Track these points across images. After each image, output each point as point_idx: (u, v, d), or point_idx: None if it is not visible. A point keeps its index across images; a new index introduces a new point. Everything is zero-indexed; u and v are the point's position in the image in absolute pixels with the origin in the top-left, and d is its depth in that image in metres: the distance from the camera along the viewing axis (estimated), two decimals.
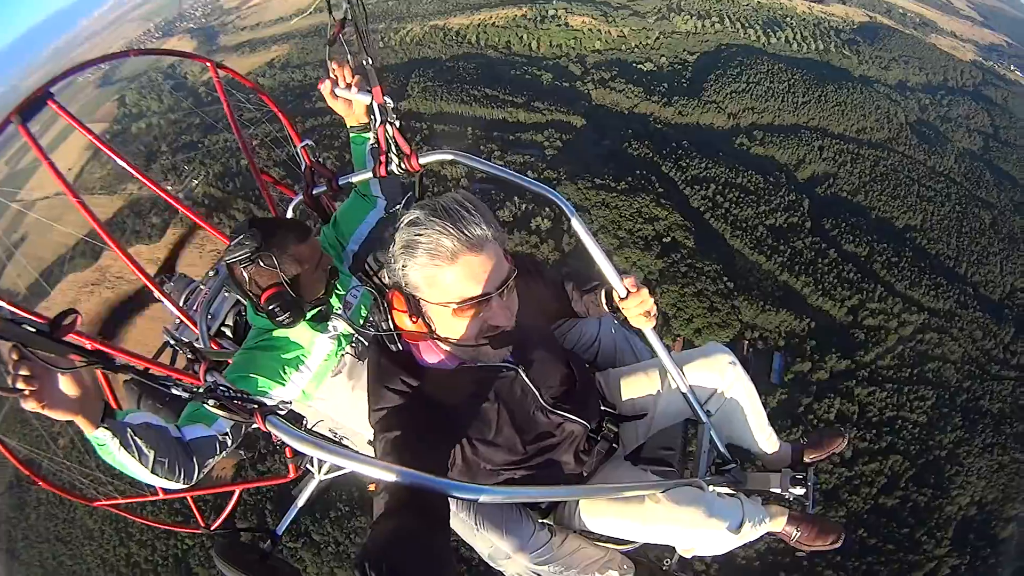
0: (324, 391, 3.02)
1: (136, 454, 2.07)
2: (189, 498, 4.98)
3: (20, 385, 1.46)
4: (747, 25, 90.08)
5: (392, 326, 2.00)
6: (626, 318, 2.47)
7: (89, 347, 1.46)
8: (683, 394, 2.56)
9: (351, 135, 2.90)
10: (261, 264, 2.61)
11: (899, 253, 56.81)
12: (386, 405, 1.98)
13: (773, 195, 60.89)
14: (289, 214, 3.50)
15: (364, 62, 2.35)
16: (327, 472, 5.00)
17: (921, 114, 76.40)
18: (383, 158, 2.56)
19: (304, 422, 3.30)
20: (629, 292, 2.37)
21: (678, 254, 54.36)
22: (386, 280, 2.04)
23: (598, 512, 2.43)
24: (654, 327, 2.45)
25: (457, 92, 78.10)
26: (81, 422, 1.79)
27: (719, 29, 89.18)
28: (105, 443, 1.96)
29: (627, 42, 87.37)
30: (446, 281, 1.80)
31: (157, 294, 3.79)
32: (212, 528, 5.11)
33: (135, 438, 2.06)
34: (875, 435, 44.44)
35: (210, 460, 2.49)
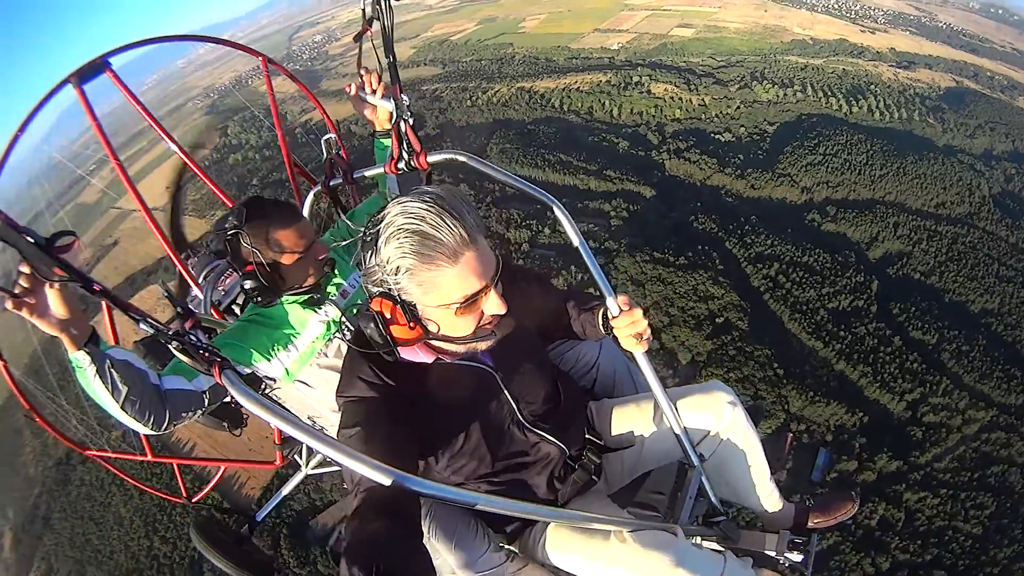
0: (308, 374, 3.14)
1: (109, 386, 2.18)
2: (175, 466, 5.25)
3: (16, 291, 1.69)
4: (830, 94, 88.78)
5: (390, 340, 1.86)
6: (623, 343, 2.36)
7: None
8: (675, 433, 2.43)
9: (375, 139, 3.11)
10: (241, 242, 2.78)
11: (971, 341, 52.58)
12: (355, 395, 1.94)
13: (840, 276, 58.37)
14: (309, 200, 3.81)
15: (386, 60, 2.42)
16: (315, 467, 5.16)
17: (1006, 184, 72.06)
18: (395, 154, 2.61)
19: (270, 388, 3.29)
20: (621, 310, 2.30)
21: (729, 336, 52.58)
22: (371, 288, 1.82)
23: (563, 545, 2.30)
24: (646, 353, 2.36)
25: (533, 156, 79.83)
26: (65, 340, 1.99)
27: (801, 98, 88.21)
28: (83, 367, 2.12)
29: (708, 111, 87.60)
30: (447, 282, 1.72)
31: (174, 260, 4.00)
32: (193, 500, 5.23)
33: (112, 370, 2.18)
34: (919, 546, 39.95)
35: (184, 414, 2.55)
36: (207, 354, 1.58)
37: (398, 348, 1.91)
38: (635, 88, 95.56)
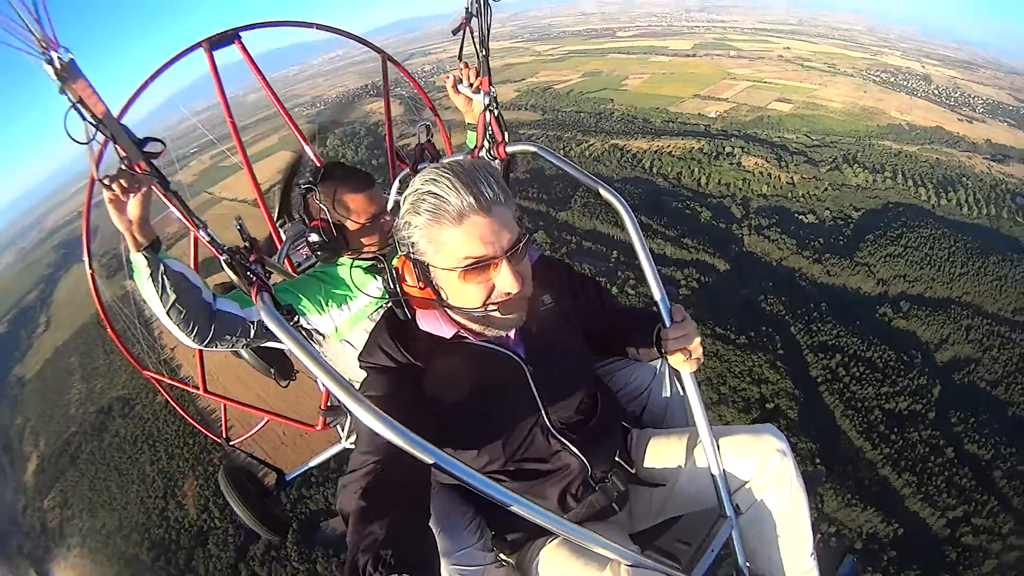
0: (355, 336, 3.16)
1: (159, 290, 2.33)
2: (222, 407, 5.29)
3: (111, 183, 1.94)
4: (920, 183, 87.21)
5: (400, 293, 1.91)
6: (669, 358, 2.21)
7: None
8: (712, 475, 2.17)
9: (468, 132, 3.05)
10: (313, 199, 2.98)
11: None
12: (373, 361, 1.93)
13: (902, 376, 55.98)
14: (396, 184, 3.93)
15: (479, 54, 2.53)
16: (355, 442, 5.66)
17: None
18: (479, 143, 2.69)
19: (319, 344, 3.32)
20: (673, 321, 2.18)
21: (776, 424, 48.48)
22: (399, 247, 1.86)
23: (555, 566, 2.13)
24: (693, 374, 2.19)
25: (614, 215, 78.95)
26: (128, 239, 2.19)
27: (890, 185, 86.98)
28: (139, 269, 2.29)
29: (795, 190, 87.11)
30: (452, 242, 1.69)
31: (267, 222, 4.18)
32: (231, 442, 5.28)
33: (164, 276, 2.32)
34: None
35: (227, 336, 2.68)
36: (252, 274, 1.72)
37: (416, 314, 1.95)
38: (726, 159, 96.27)
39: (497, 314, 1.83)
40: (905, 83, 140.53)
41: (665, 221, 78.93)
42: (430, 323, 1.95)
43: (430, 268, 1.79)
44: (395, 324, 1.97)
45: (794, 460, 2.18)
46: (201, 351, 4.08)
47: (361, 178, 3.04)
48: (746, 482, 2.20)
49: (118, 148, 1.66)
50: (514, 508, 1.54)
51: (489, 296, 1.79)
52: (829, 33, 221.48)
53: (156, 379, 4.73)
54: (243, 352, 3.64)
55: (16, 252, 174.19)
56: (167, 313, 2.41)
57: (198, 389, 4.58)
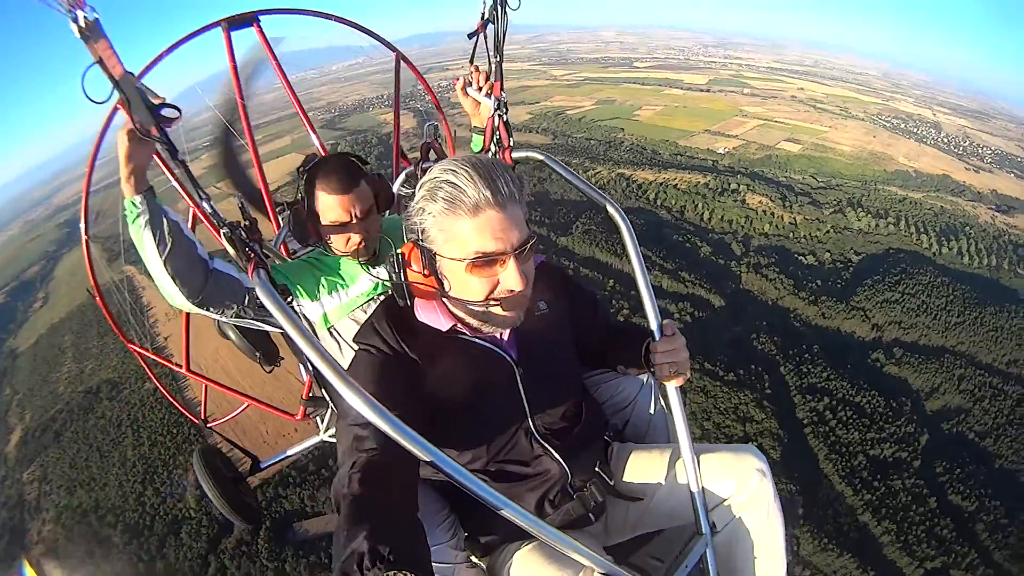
0: (343, 326, 3.14)
1: (156, 237, 2.32)
2: (203, 387, 5.23)
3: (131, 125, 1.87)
4: (922, 230, 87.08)
5: (403, 280, 1.90)
6: (656, 371, 2.21)
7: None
8: (690, 491, 2.14)
9: (473, 135, 3.01)
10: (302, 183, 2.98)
11: (1012, 515, 47.69)
12: (368, 343, 1.93)
13: (890, 423, 55.38)
14: (399, 180, 3.98)
15: (491, 59, 2.57)
16: (332, 435, 4.86)
17: None
18: (485, 146, 2.70)
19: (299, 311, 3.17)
20: (663, 335, 2.19)
21: None
22: (407, 235, 1.88)
23: (529, 573, 2.11)
24: (679, 389, 2.20)
25: (614, 244, 78.16)
26: (131, 181, 2.20)
27: (892, 231, 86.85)
28: (137, 213, 2.28)
29: (797, 231, 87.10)
30: (464, 233, 1.71)
31: (269, 210, 4.20)
32: (208, 424, 5.36)
33: (164, 221, 2.32)
34: None
35: (220, 298, 2.66)
36: (250, 251, 1.75)
37: (416, 303, 1.96)
38: (731, 195, 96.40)
39: (497, 310, 1.85)
40: (915, 130, 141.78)
41: (664, 253, 78.87)
42: (428, 314, 1.96)
43: (437, 257, 1.80)
44: (394, 312, 1.98)
45: (773, 482, 2.15)
46: (188, 329, 4.26)
47: (341, 181, 2.92)
48: (724, 500, 2.17)
49: (130, 115, 1.70)
50: (503, 511, 1.53)
51: (492, 291, 1.80)
52: (844, 76, 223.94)
53: (139, 352, 4.72)
54: (230, 332, 3.60)
55: (22, 224, 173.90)
56: (163, 263, 2.37)
57: (180, 367, 4.56)
